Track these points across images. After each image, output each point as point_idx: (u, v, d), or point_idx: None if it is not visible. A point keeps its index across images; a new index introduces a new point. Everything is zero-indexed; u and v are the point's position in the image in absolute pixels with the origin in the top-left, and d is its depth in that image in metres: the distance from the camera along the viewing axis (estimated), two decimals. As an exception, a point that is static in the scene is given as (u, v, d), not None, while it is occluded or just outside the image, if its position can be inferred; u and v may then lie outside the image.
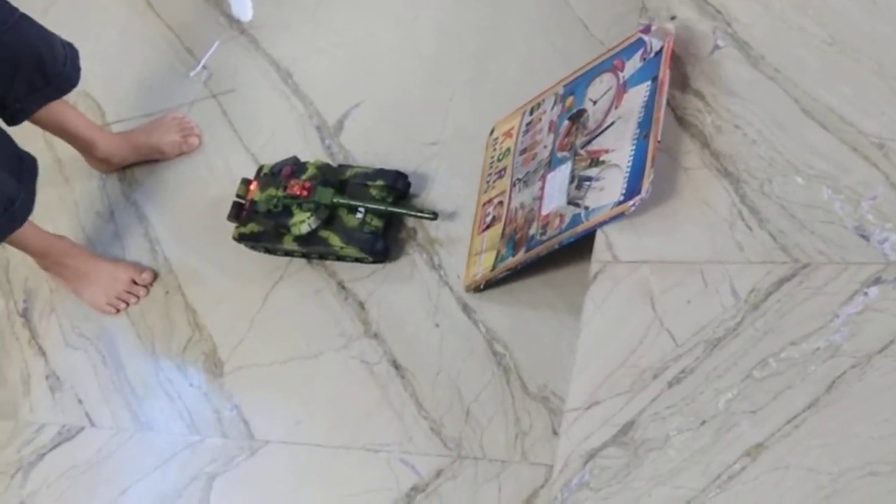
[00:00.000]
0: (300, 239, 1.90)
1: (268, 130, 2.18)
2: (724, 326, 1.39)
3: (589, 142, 1.64)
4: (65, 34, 2.04)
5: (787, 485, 1.26)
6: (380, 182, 1.91)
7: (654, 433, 1.36)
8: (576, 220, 1.59)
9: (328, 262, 1.96)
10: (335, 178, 1.93)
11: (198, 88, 2.31)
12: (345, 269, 1.94)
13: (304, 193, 1.89)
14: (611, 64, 1.67)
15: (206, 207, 2.15)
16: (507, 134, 1.86)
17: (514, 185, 1.78)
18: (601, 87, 1.67)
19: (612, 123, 1.61)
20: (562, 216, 1.62)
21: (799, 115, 1.48)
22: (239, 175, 2.13)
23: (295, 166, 1.95)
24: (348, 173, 1.95)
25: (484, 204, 1.84)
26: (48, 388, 2.09)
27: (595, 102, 1.67)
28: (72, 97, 2.10)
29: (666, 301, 1.45)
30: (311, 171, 1.94)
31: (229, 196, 2.02)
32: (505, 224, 1.76)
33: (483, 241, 1.80)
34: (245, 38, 2.33)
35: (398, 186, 1.91)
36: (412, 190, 1.95)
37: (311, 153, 2.06)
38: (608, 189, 1.55)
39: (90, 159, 2.25)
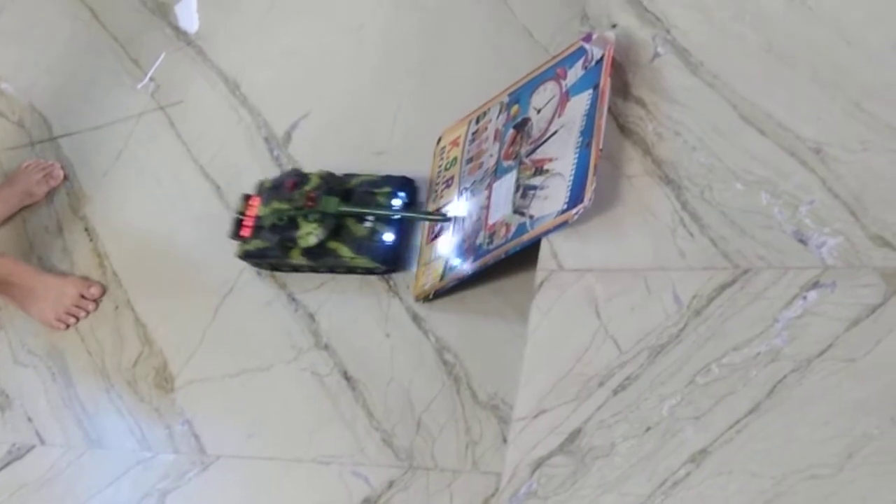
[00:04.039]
0: (309, 252, 1.86)
1: (216, 142, 2.17)
2: (667, 333, 1.40)
3: (533, 150, 1.65)
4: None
5: (732, 489, 1.27)
6: (386, 188, 1.86)
7: (601, 441, 1.37)
8: (521, 229, 1.59)
9: (277, 274, 1.95)
10: (340, 187, 1.88)
11: (145, 100, 2.30)
12: (295, 281, 1.94)
13: (310, 204, 1.84)
14: (553, 72, 1.68)
15: (156, 221, 2.14)
16: (454, 143, 1.87)
17: (461, 193, 1.79)
18: (545, 95, 1.68)
19: (555, 132, 1.62)
20: (508, 225, 1.63)
21: (737, 122, 1.49)
22: (188, 187, 2.13)
23: (297, 178, 1.90)
24: (353, 182, 1.90)
25: (432, 213, 1.84)
26: (-3, 406, 2.07)
27: (539, 111, 1.68)
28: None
29: (611, 308, 1.46)
30: (314, 181, 1.89)
31: (178, 209, 2.01)
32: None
33: (432, 250, 1.80)
34: (192, 49, 2.32)
35: (405, 192, 1.87)
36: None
37: (259, 165, 2.06)
38: (552, 198, 1.56)
39: None
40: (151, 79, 2.32)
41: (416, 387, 1.74)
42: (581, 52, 1.64)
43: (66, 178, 2.28)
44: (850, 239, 1.35)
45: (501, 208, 1.66)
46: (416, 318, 1.80)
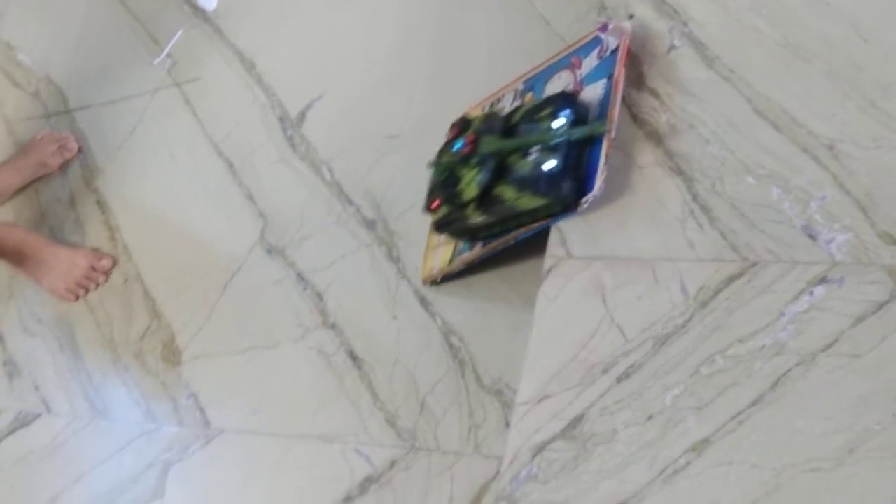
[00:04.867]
0: (480, 205, 1.60)
1: (231, 120, 2.18)
2: (673, 323, 1.41)
3: (546, 138, 1.64)
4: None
5: (731, 480, 1.28)
6: (547, 110, 1.58)
7: (603, 427, 1.38)
8: (532, 215, 1.59)
9: (287, 252, 1.95)
10: (501, 125, 1.64)
11: (161, 76, 2.31)
12: (304, 259, 1.94)
13: (469, 149, 1.61)
14: (568, 61, 1.69)
15: (168, 196, 2.15)
16: (468, 128, 1.87)
17: (472, 179, 1.78)
18: (559, 84, 1.69)
19: (569, 120, 1.61)
20: (518, 211, 1.62)
21: (751, 116, 1.49)
22: (201, 164, 2.14)
23: (460, 126, 1.70)
24: (517, 116, 1.64)
25: (443, 197, 1.84)
26: (5, 374, 2.08)
27: (553, 99, 1.68)
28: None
29: (617, 297, 1.46)
30: (475, 124, 1.67)
31: (191, 185, 2.03)
32: (463, 218, 1.76)
33: (441, 234, 1.81)
34: (209, 26, 2.33)
35: (569, 108, 1.58)
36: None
37: (273, 144, 2.07)
38: (563, 185, 1.56)
39: None
40: (168, 55, 2.33)
41: (421, 369, 1.75)
42: (597, 41, 1.64)
43: (80, 150, 2.30)
44: (860, 235, 1.36)
45: (513, 194, 1.66)
46: (423, 301, 1.81)
